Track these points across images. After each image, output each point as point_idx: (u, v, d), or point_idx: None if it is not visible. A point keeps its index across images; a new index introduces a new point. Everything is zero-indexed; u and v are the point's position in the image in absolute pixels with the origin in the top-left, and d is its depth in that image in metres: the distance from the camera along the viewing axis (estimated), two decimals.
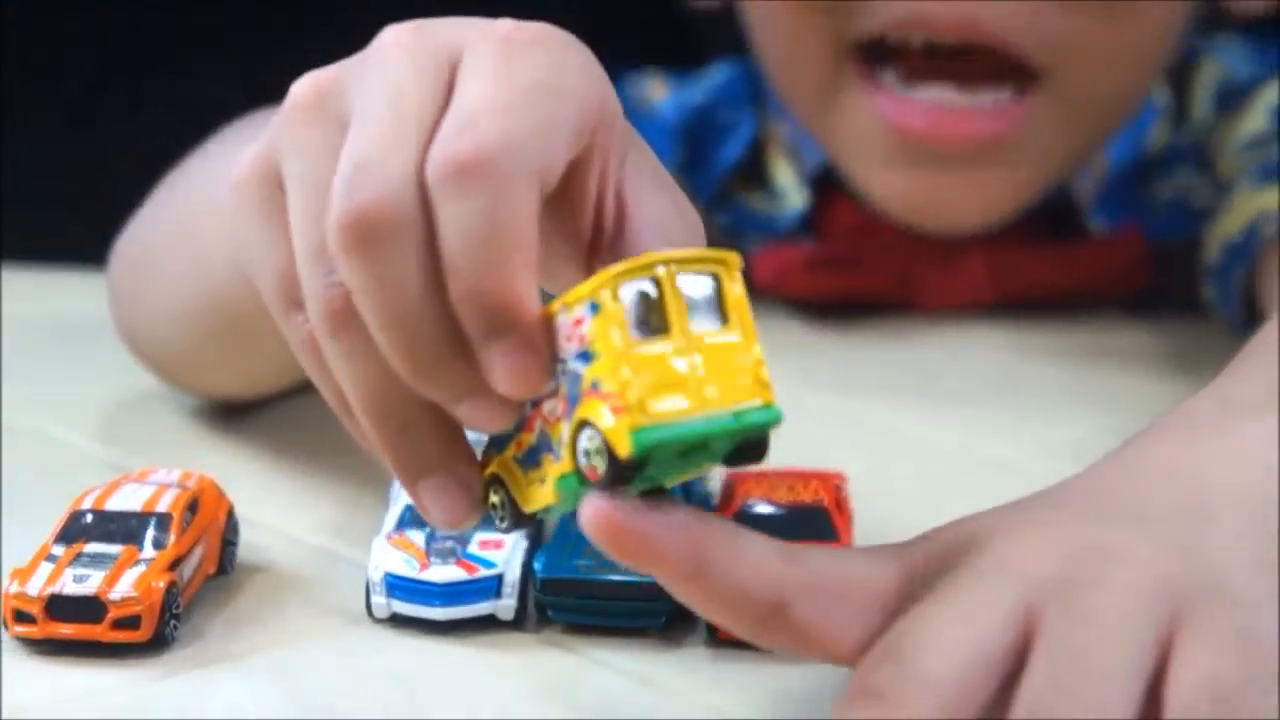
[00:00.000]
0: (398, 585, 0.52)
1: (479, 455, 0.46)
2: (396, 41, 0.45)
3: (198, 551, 0.54)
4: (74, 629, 0.50)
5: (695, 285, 0.42)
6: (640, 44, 0.87)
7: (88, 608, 0.50)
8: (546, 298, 0.43)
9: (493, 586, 0.52)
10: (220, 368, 0.68)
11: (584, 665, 0.51)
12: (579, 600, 0.52)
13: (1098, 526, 0.43)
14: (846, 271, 0.84)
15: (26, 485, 0.63)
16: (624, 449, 0.41)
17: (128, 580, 0.50)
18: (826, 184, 0.85)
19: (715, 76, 0.88)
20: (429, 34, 0.45)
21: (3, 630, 0.51)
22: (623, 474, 0.41)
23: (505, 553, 0.53)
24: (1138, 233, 0.84)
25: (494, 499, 0.46)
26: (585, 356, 0.42)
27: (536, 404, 0.44)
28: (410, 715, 0.48)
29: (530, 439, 0.44)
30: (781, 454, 0.45)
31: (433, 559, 0.53)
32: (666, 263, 0.42)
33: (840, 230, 0.85)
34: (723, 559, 0.41)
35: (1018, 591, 0.41)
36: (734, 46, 0.86)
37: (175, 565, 0.52)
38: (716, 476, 0.59)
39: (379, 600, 0.53)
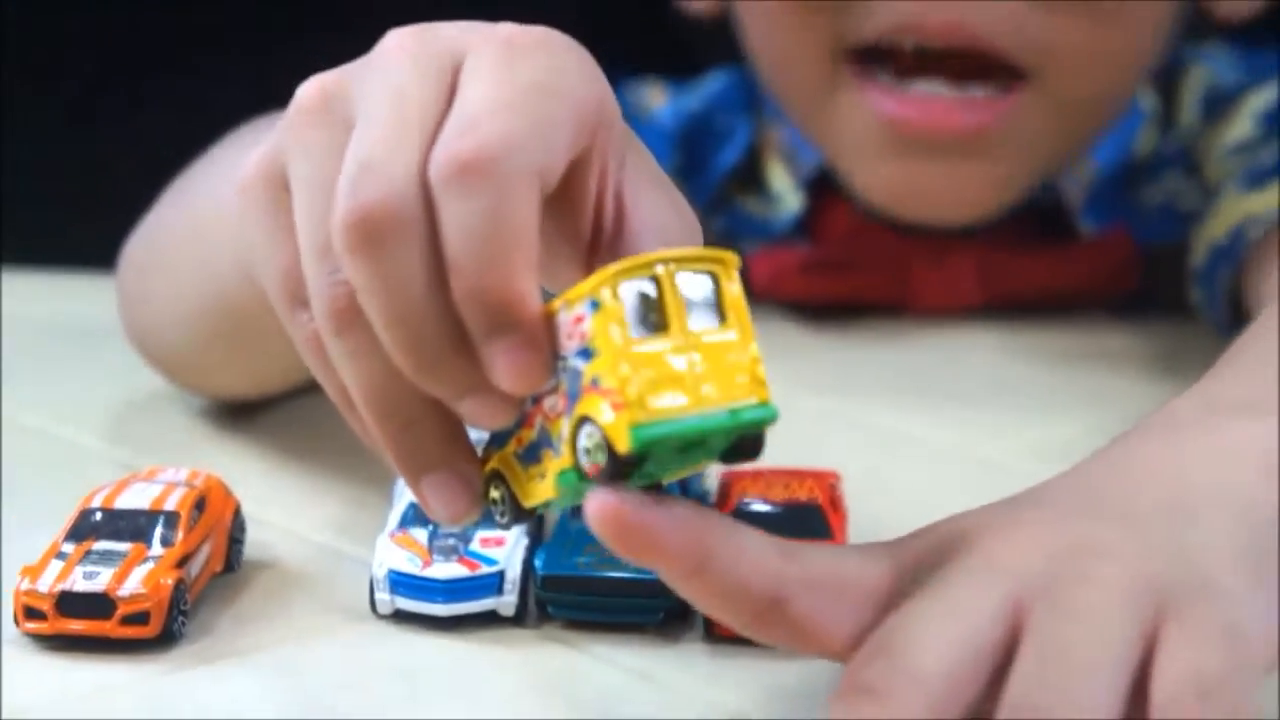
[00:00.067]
0: (401, 582, 0.52)
1: (480, 451, 0.46)
2: (400, 45, 0.45)
3: (205, 549, 0.54)
4: (84, 625, 0.50)
5: (694, 284, 0.42)
6: (639, 53, 0.87)
7: (97, 604, 0.50)
8: (547, 296, 0.43)
9: (494, 583, 0.52)
10: (227, 368, 0.68)
11: (583, 660, 0.51)
12: (579, 597, 0.52)
13: (1084, 524, 0.43)
14: (841, 274, 0.84)
15: (36, 484, 0.63)
16: (623, 445, 0.41)
17: (136, 577, 0.50)
18: (822, 188, 0.85)
19: (712, 84, 0.88)
20: (432, 37, 0.45)
21: (14, 626, 0.51)
22: (622, 469, 0.41)
23: (506, 550, 0.53)
24: (1126, 235, 0.84)
25: (495, 494, 0.46)
26: (586, 353, 0.42)
27: (537, 400, 0.44)
28: (413, 709, 0.48)
29: (531, 435, 0.44)
30: (777, 453, 0.45)
31: (435, 556, 0.53)
32: (666, 262, 0.42)
33: (835, 234, 0.85)
34: (725, 555, 0.41)
35: (1005, 588, 0.41)
36: (730, 55, 0.86)
37: (183, 562, 0.52)
38: (713, 475, 0.59)
39: (383, 597, 0.52)
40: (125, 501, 0.54)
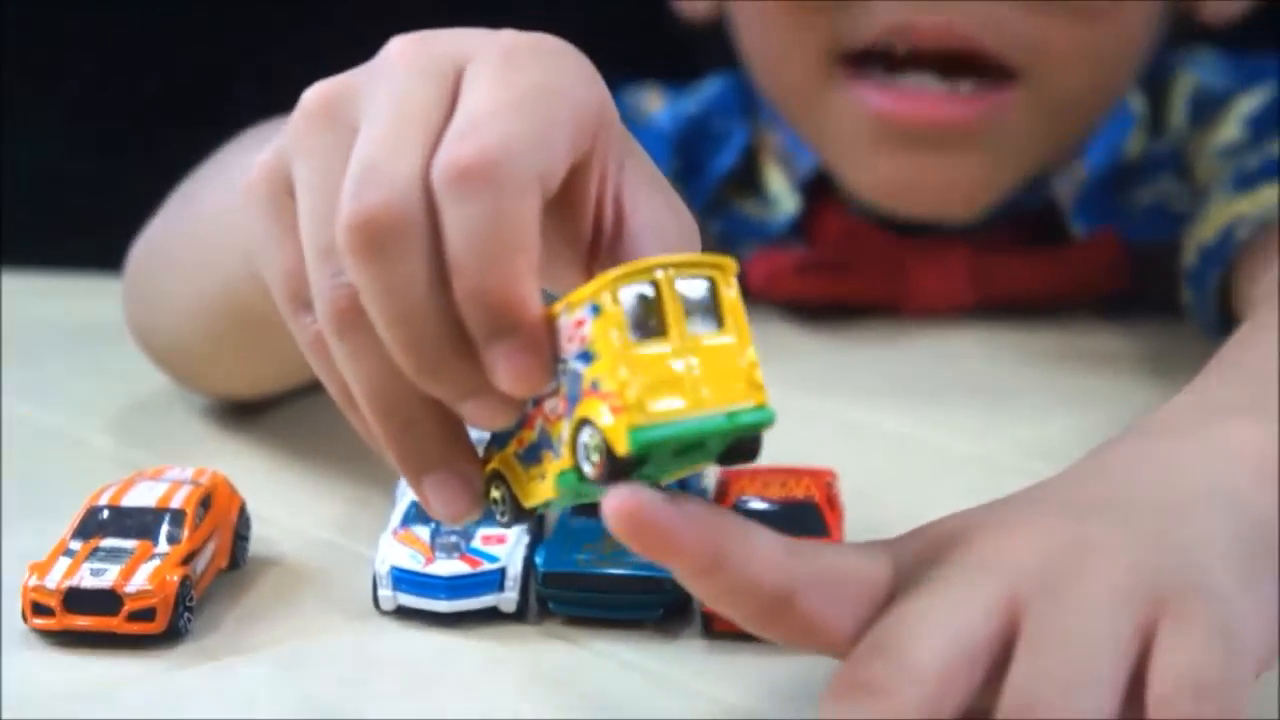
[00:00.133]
0: (404, 579, 0.52)
1: (481, 451, 0.45)
2: (403, 51, 0.45)
3: (211, 546, 0.53)
4: (91, 621, 0.50)
5: (692, 289, 0.42)
6: (637, 57, 0.87)
7: (104, 600, 0.50)
8: (549, 299, 0.43)
9: (495, 580, 0.52)
10: (232, 368, 0.68)
11: (584, 656, 0.51)
12: (579, 593, 0.52)
13: (1079, 522, 0.43)
14: (836, 275, 0.84)
15: (44, 481, 0.63)
16: (622, 447, 0.41)
17: (143, 574, 0.50)
18: (817, 191, 0.85)
19: (709, 88, 0.89)
20: (434, 44, 0.45)
21: (22, 622, 0.50)
22: (621, 471, 0.41)
23: (507, 547, 0.53)
24: (1115, 237, 0.84)
25: (495, 494, 0.45)
26: (586, 357, 0.41)
27: (538, 402, 0.43)
28: (416, 704, 0.48)
29: (531, 436, 0.44)
30: (773, 452, 0.45)
31: (437, 553, 0.52)
32: (665, 267, 0.42)
33: (830, 235, 0.86)
34: (737, 552, 0.41)
35: (1001, 585, 0.41)
36: (726, 60, 0.86)
37: (189, 559, 0.52)
38: (711, 473, 0.58)
39: (385, 593, 0.52)
40: (132, 499, 0.53)
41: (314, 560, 0.57)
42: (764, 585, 0.41)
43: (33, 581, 0.50)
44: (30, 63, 1.01)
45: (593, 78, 0.44)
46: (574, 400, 0.42)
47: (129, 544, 0.52)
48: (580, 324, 0.41)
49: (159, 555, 0.51)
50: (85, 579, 0.50)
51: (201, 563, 0.52)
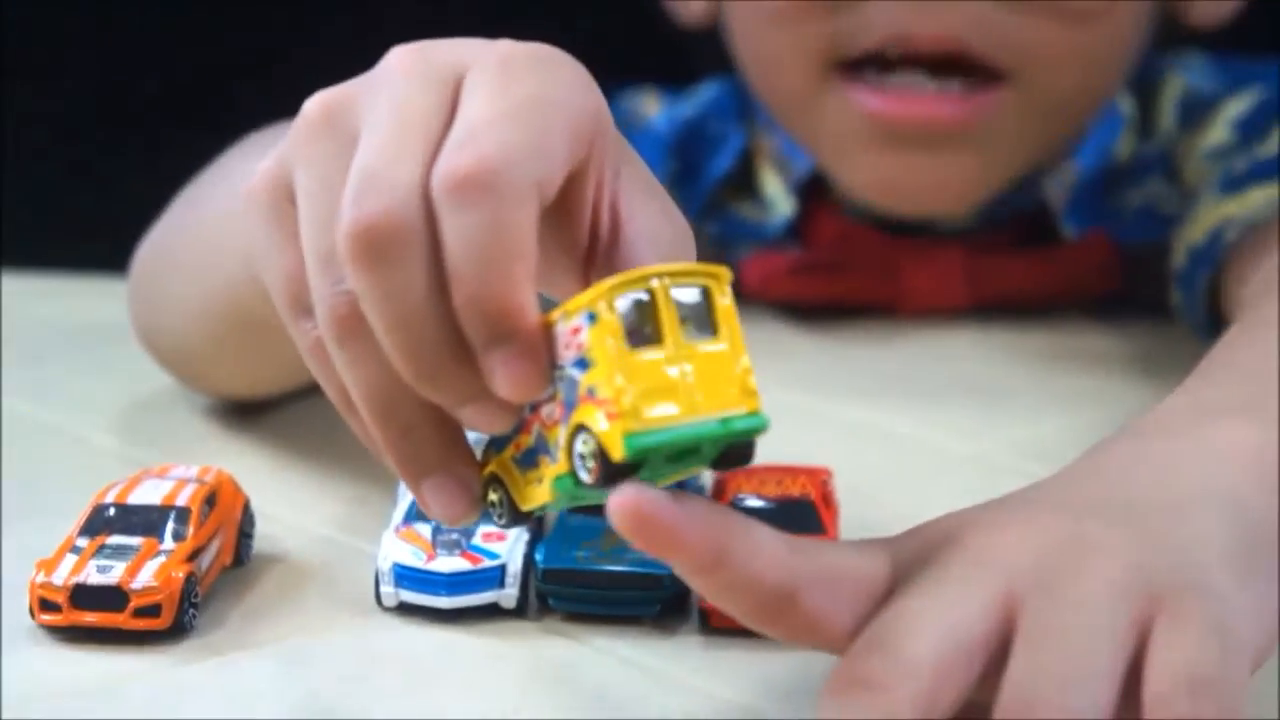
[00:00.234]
0: (405, 576, 0.52)
1: (479, 455, 0.46)
2: (402, 61, 0.45)
3: (215, 543, 0.54)
4: (97, 617, 0.50)
5: (687, 297, 0.42)
6: (634, 62, 0.87)
7: (110, 597, 0.50)
8: (546, 304, 0.43)
9: (496, 576, 0.52)
10: (235, 368, 0.68)
11: (583, 652, 0.51)
12: (578, 590, 0.52)
13: (1076, 521, 0.43)
14: (831, 277, 0.84)
15: (51, 479, 0.63)
16: (618, 453, 0.41)
17: (149, 571, 0.50)
18: (812, 194, 0.86)
19: (705, 92, 0.89)
20: (433, 54, 0.45)
21: (30, 618, 0.51)
22: (616, 476, 0.41)
23: (508, 544, 0.53)
24: (1106, 238, 0.84)
25: (493, 497, 0.46)
26: (582, 364, 0.42)
27: (535, 408, 0.44)
28: (417, 699, 0.48)
29: (528, 441, 0.44)
30: (769, 451, 0.45)
31: (439, 551, 0.53)
32: (660, 276, 0.42)
33: (826, 237, 0.86)
34: (740, 550, 0.41)
35: (997, 582, 0.41)
36: (722, 64, 0.86)
37: (194, 556, 0.52)
38: (707, 471, 0.59)
39: (387, 590, 0.52)
40: (138, 497, 0.54)
41: (317, 557, 0.57)
42: (766, 582, 0.41)
43: (40, 578, 0.50)
44: (30, 63, 1.01)
45: (589, 86, 0.45)
46: (570, 406, 0.42)
47: (135, 541, 0.52)
48: (577, 331, 0.42)
49: (164, 552, 0.51)
50: (92, 575, 0.50)
51: (206, 560, 0.53)
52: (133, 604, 0.50)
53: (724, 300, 0.42)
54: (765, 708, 0.48)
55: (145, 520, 0.53)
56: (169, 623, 0.50)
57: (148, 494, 0.54)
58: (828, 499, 0.56)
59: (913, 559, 0.43)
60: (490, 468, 0.46)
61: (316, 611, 0.53)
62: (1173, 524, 0.44)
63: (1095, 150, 0.85)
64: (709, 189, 0.87)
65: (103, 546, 0.52)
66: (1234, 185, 0.76)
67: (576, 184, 0.44)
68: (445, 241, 0.42)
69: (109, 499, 0.54)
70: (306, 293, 0.44)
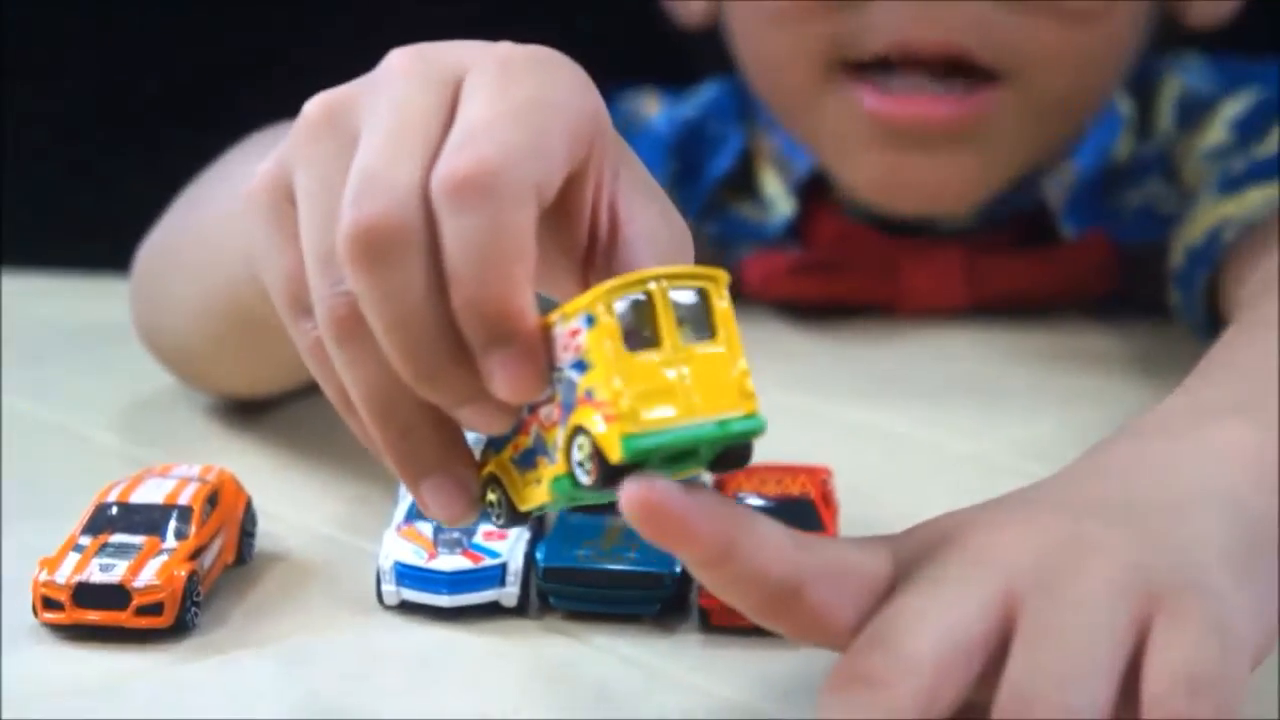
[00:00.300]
0: (407, 574, 0.52)
1: (477, 456, 0.46)
2: (403, 63, 0.45)
3: (218, 542, 0.54)
4: (100, 615, 0.50)
5: (685, 300, 0.42)
6: (634, 63, 0.88)
7: (113, 595, 0.50)
8: (545, 305, 0.43)
9: (497, 575, 0.52)
10: (236, 367, 0.68)
11: (583, 650, 0.51)
12: (579, 588, 0.52)
13: (1075, 521, 0.43)
14: (831, 276, 0.84)
15: (54, 478, 0.63)
16: (615, 455, 0.41)
17: (151, 569, 0.51)
18: (812, 194, 0.86)
19: (705, 93, 0.89)
20: (433, 56, 0.45)
21: (33, 616, 0.51)
22: (614, 478, 0.41)
23: (509, 543, 0.53)
24: (1104, 238, 0.85)
25: (491, 497, 0.46)
26: (580, 366, 0.42)
27: (533, 409, 0.44)
28: (418, 697, 0.48)
29: (527, 442, 0.44)
30: (769, 450, 0.46)
31: (440, 549, 0.53)
32: (658, 279, 0.42)
33: (825, 237, 0.86)
34: (748, 543, 0.41)
35: (997, 581, 0.41)
36: (722, 64, 0.86)
37: (196, 555, 0.52)
38: (706, 473, 0.59)
39: (389, 588, 0.53)
40: (140, 496, 0.54)
41: (319, 556, 0.57)
42: (772, 575, 0.41)
43: (43, 576, 0.51)
44: (30, 63, 1.01)
45: (587, 88, 0.45)
46: (569, 408, 0.42)
47: (137, 539, 0.52)
48: (575, 334, 0.42)
49: (167, 551, 0.52)
50: (94, 574, 0.50)
51: (208, 558, 0.53)
52: (135, 602, 0.50)
53: (722, 303, 0.43)
54: (765, 706, 0.48)
55: (148, 519, 0.53)
56: (171, 621, 0.50)
57: (150, 493, 0.54)
58: (827, 498, 0.56)
59: (913, 557, 0.43)
60: (489, 468, 0.46)
61: (318, 610, 0.53)
62: (1172, 524, 0.44)
63: (1094, 151, 0.85)
64: (709, 189, 0.87)
65: (105, 545, 0.52)
66: (1232, 185, 0.76)
67: (575, 185, 0.44)
68: (444, 243, 0.42)
69: (111, 498, 0.54)
70: (306, 293, 0.44)
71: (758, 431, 0.43)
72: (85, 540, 0.52)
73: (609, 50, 0.62)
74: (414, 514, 0.54)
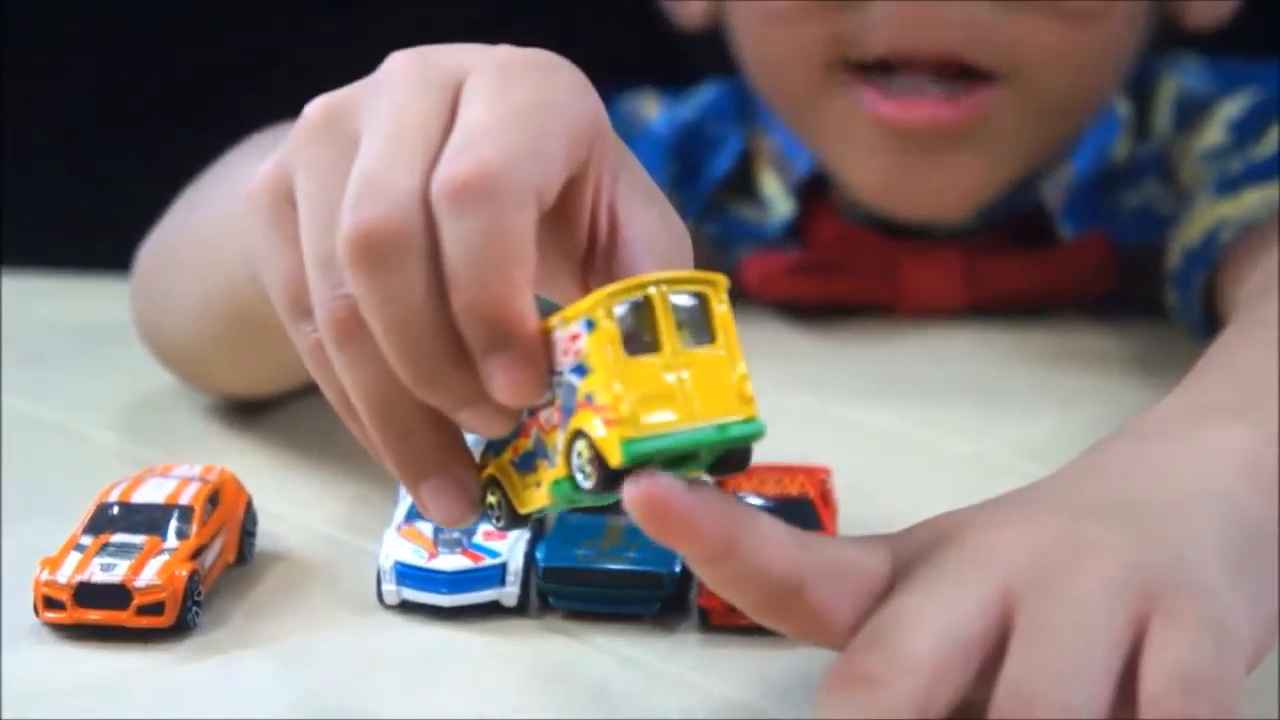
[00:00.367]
0: (407, 573, 0.53)
1: (478, 457, 0.46)
2: (403, 66, 0.45)
3: (218, 541, 0.54)
4: (101, 615, 0.50)
5: (684, 304, 0.42)
6: (634, 64, 0.88)
7: (114, 595, 0.50)
8: (545, 307, 0.43)
9: (497, 574, 0.53)
10: (236, 367, 0.68)
11: (583, 650, 0.51)
12: (579, 588, 0.52)
13: (1073, 520, 0.43)
14: (830, 277, 0.84)
15: (55, 478, 0.63)
16: (615, 459, 0.41)
17: (152, 569, 0.51)
18: (812, 194, 0.86)
19: (704, 94, 0.89)
20: (433, 59, 0.45)
21: (34, 615, 0.51)
22: (614, 482, 0.42)
23: (509, 543, 0.53)
24: (1102, 238, 0.85)
25: (491, 499, 0.46)
26: (580, 370, 0.42)
27: (533, 412, 0.44)
28: (418, 696, 0.48)
29: (527, 445, 0.44)
30: (768, 450, 0.46)
31: (440, 549, 0.53)
32: (658, 283, 0.42)
33: (825, 237, 0.86)
34: (750, 541, 0.41)
35: (995, 580, 0.41)
36: (721, 66, 0.87)
37: (197, 554, 0.52)
38: (705, 477, 0.59)
39: (389, 588, 0.53)
40: (141, 496, 0.54)
41: (319, 555, 0.57)
42: (773, 573, 0.41)
43: (44, 576, 0.51)
44: (30, 63, 1.01)
45: (586, 91, 0.45)
46: (568, 412, 0.42)
47: (138, 539, 0.52)
48: (575, 338, 0.42)
49: (168, 550, 0.52)
50: (96, 574, 0.50)
51: (209, 558, 0.53)
52: (136, 602, 0.50)
53: (721, 307, 0.43)
54: (764, 705, 0.48)
55: (149, 519, 0.53)
56: (172, 620, 0.50)
57: (151, 493, 0.54)
58: (826, 498, 0.57)
59: (912, 557, 0.43)
60: (489, 471, 0.46)
61: (319, 609, 0.53)
62: (1169, 524, 0.44)
63: (1092, 152, 0.85)
64: (708, 190, 0.87)
65: (106, 545, 0.52)
66: (1229, 186, 0.77)
67: (575, 188, 0.44)
68: (445, 247, 0.42)
69: (113, 498, 0.54)
70: (306, 295, 0.44)
71: (757, 436, 0.43)
72: (86, 540, 0.52)
73: (608, 52, 0.62)
74: (414, 514, 0.55)
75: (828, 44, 0.79)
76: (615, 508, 0.42)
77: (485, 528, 0.54)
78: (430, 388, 0.43)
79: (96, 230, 0.82)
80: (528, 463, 0.45)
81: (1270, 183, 0.75)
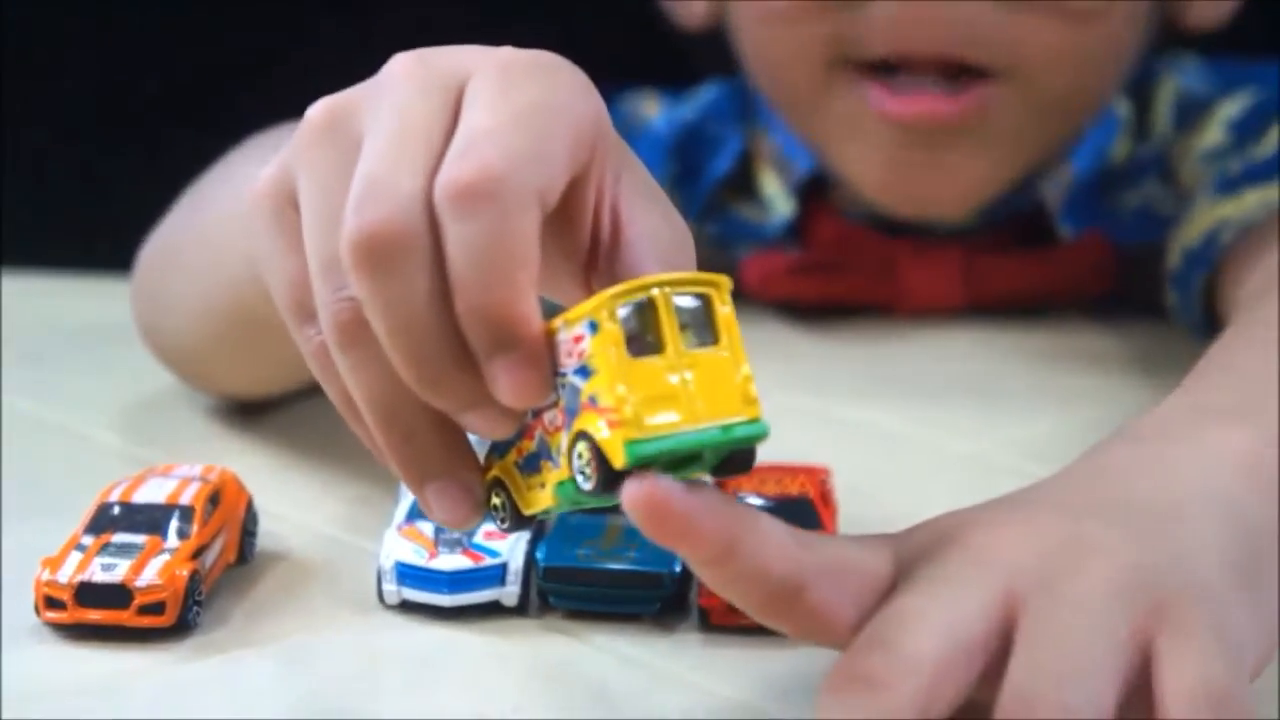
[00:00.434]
0: (408, 573, 0.53)
1: (482, 458, 0.46)
2: (405, 68, 0.45)
3: (219, 541, 0.54)
4: (102, 614, 0.50)
5: (688, 305, 0.42)
6: (634, 65, 0.88)
7: (115, 594, 0.50)
8: (549, 309, 0.43)
9: (497, 574, 0.53)
10: (238, 368, 0.68)
11: (583, 649, 0.51)
12: (579, 588, 0.52)
13: (1075, 522, 0.43)
14: (830, 276, 0.85)
15: (56, 478, 0.64)
16: (619, 460, 0.41)
17: (153, 568, 0.51)
18: (812, 194, 0.86)
19: (705, 94, 0.89)
20: (435, 61, 0.45)
21: (35, 615, 0.51)
22: (617, 483, 0.42)
23: (509, 542, 0.53)
24: (1102, 238, 0.85)
25: (495, 501, 0.46)
26: (584, 372, 0.42)
27: (537, 414, 0.44)
28: (419, 696, 0.48)
29: (531, 446, 0.44)
30: (769, 450, 0.45)
31: (441, 548, 0.53)
32: (661, 285, 0.42)
33: (825, 237, 0.86)
34: (751, 541, 0.41)
35: (998, 581, 0.41)
36: (722, 66, 0.87)
37: (198, 554, 0.52)
38: (708, 478, 0.59)
39: (390, 588, 0.53)
40: (142, 496, 0.54)
41: (320, 555, 0.57)
42: (774, 573, 0.41)
43: (45, 576, 0.51)
44: (30, 63, 1.01)
45: (588, 91, 0.45)
46: (572, 413, 0.42)
47: (139, 539, 0.52)
48: (579, 340, 0.42)
49: (169, 550, 0.52)
50: (97, 574, 0.50)
51: (210, 557, 0.53)
52: (137, 601, 0.50)
53: (724, 308, 0.43)
54: (764, 705, 0.48)
55: (149, 518, 0.53)
56: (173, 620, 0.50)
57: (152, 492, 0.54)
58: (826, 498, 0.57)
59: (913, 557, 0.43)
60: (493, 472, 0.46)
61: (319, 609, 0.53)
62: (1171, 525, 0.44)
63: (1091, 152, 0.85)
64: (709, 190, 0.87)
65: (107, 544, 0.52)
66: (1229, 187, 0.77)
67: (578, 189, 0.44)
68: (448, 249, 0.42)
69: (114, 497, 0.54)
70: (310, 298, 0.44)
71: (761, 437, 0.43)
72: (87, 540, 0.52)
73: (608, 52, 0.62)
74: (415, 513, 0.55)
75: (828, 44, 0.79)
76: (617, 508, 0.42)
77: (486, 527, 0.53)
78: (434, 390, 0.43)
79: (96, 230, 0.82)
80: (532, 464, 0.45)
81: (1270, 183, 0.75)
